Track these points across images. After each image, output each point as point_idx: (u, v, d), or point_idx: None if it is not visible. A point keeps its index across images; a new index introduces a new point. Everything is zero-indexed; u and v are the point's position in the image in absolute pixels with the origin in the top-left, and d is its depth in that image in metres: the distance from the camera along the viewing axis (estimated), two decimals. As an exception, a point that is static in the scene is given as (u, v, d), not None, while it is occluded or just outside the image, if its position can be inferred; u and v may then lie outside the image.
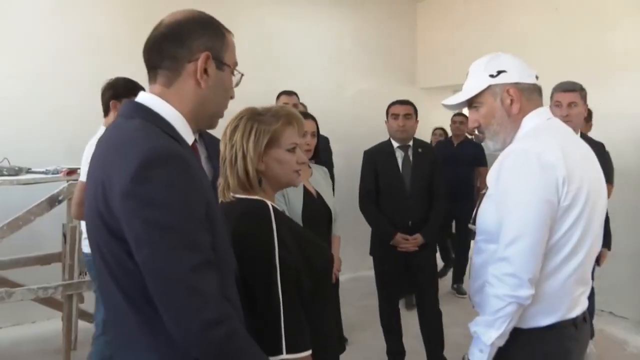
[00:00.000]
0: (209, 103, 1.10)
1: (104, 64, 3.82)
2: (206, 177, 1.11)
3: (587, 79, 4.20)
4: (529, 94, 1.45)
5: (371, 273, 4.22)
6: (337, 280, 2.58)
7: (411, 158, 3.11)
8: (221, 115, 1.17)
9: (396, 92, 5.52)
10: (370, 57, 5.49)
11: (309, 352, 1.36)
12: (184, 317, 0.92)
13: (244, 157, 1.41)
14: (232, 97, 1.16)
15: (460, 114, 4.68)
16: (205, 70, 1.06)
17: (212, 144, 2.36)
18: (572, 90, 2.73)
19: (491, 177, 1.42)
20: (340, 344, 2.42)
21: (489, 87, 1.46)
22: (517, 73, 1.45)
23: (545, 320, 1.38)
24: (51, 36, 3.81)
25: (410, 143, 3.15)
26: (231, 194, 1.44)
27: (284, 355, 1.30)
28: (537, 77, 1.48)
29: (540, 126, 1.43)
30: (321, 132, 3.64)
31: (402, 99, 3.24)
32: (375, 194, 3.12)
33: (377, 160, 3.18)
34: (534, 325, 1.39)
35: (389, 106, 3.19)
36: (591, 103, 4.13)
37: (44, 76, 3.77)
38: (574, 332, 1.42)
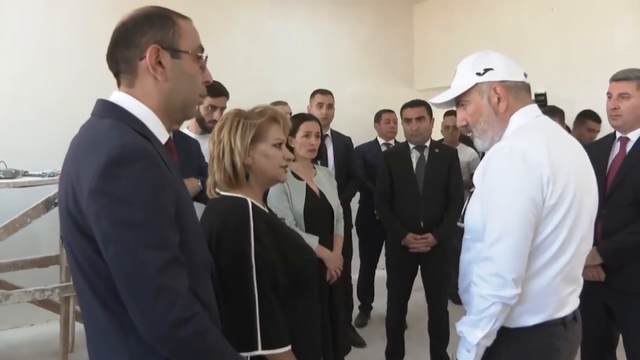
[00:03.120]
0: (175, 94, 1.08)
1: (101, 64, 3.82)
2: (179, 175, 1.11)
3: (583, 78, 4.21)
4: (517, 92, 1.44)
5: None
6: (345, 278, 2.54)
7: (426, 159, 3.08)
8: (196, 103, 1.14)
9: (393, 93, 5.53)
10: (367, 58, 5.49)
11: (287, 348, 1.36)
12: (152, 316, 0.92)
13: (232, 151, 1.46)
14: (207, 82, 1.14)
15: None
16: (160, 63, 1.04)
17: (184, 146, 2.37)
18: (624, 79, 2.20)
19: (478, 175, 1.41)
20: (347, 345, 2.44)
21: (476, 85, 1.45)
22: (504, 71, 1.44)
23: (532, 319, 1.37)
24: (45, 35, 3.81)
25: (427, 144, 3.12)
26: (216, 190, 1.48)
27: (259, 351, 1.31)
28: (525, 75, 1.47)
29: (529, 124, 1.42)
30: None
31: (414, 99, 3.19)
32: (391, 195, 3.12)
33: (392, 161, 3.17)
34: (521, 324, 1.38)
35: (402, 109, 3.16)
36: (588, 101, 4.14)
37: (41, 78, 3.77)
38: (563, 331, 1.41)
